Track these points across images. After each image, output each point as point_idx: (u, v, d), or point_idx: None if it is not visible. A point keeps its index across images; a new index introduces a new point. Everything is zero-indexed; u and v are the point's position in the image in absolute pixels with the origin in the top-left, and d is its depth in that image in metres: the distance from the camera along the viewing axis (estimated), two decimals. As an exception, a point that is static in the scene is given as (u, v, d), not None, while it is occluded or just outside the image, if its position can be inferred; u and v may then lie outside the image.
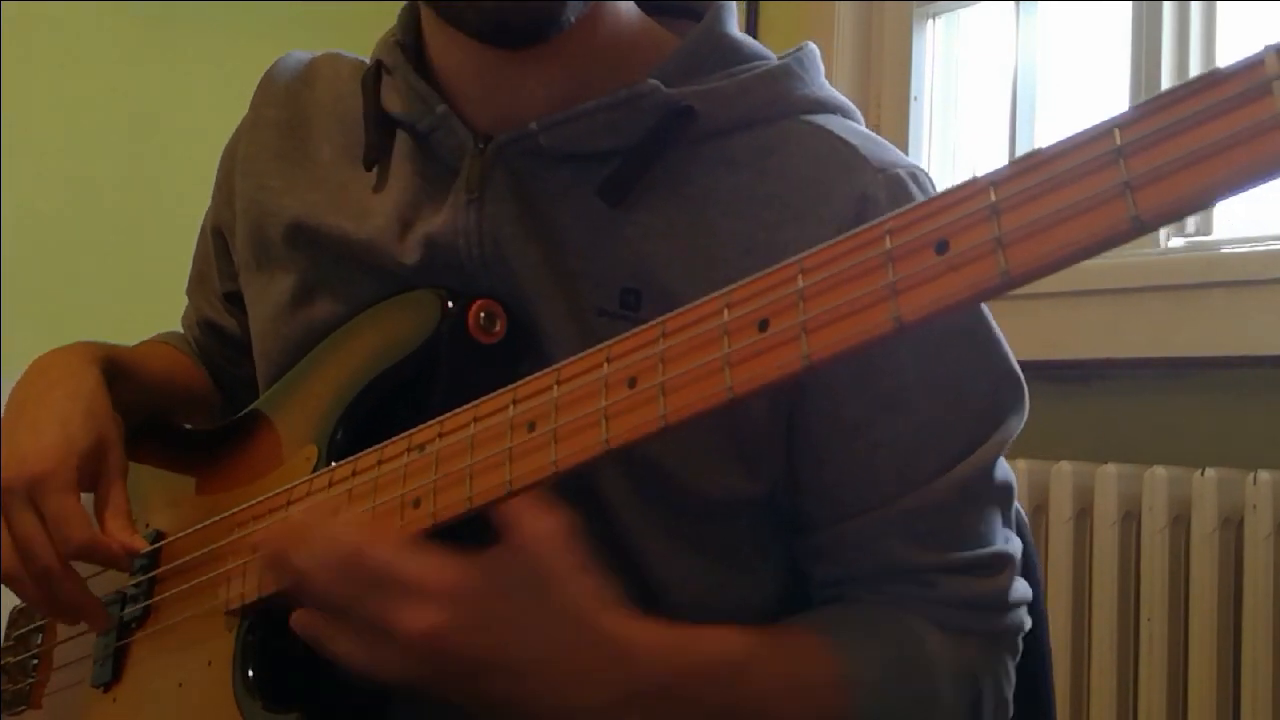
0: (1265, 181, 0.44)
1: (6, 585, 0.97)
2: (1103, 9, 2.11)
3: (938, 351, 0.88)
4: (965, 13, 2.37)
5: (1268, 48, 0.44)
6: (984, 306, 0.92)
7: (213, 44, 2.60)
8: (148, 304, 1.64)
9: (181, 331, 1.24)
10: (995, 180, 0.53)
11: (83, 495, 1.01)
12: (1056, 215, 0.49)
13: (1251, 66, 0.45)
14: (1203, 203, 0.45)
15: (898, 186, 0.88)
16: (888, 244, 0.56)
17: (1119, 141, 0.47)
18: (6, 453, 0.96)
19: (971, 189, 0.54)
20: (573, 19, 0.86)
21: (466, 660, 0.71)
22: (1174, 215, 0.45)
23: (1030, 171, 0.50)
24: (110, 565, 0.97)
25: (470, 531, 0.77)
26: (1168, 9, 1.99)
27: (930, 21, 2.38)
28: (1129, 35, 2.04)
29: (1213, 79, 0.45)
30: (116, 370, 1.05)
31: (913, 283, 0.55)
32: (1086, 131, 0.49)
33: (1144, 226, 0.46)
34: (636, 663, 0.75)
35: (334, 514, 0.81)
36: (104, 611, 0.98)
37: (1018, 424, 0.92)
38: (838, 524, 0.90)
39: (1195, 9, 1.99)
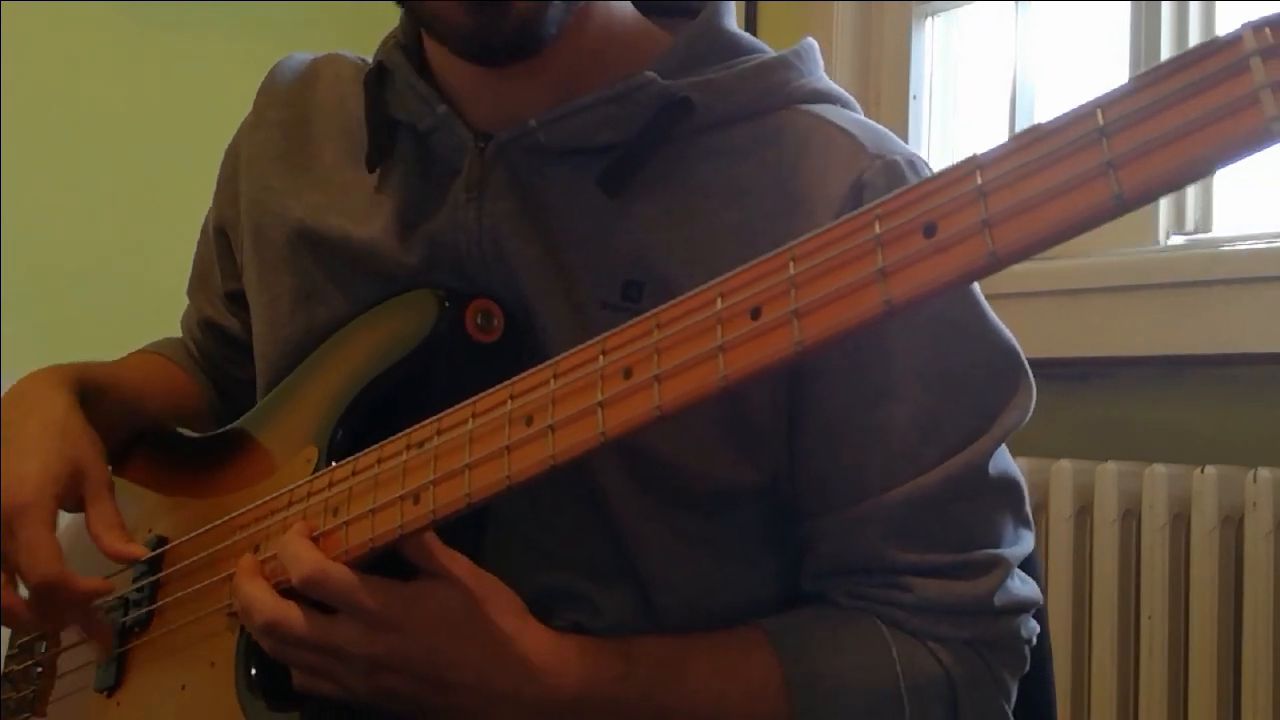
0: (1243, 157, 0.44)
1: None
2: (1101, 8, 2.12)
3: (932, 343, 0.88)
4: (964, 11, 2.37)
5: (1245, 25, 0.44)
6: (983, 301, 0.91)
7: (213, 44, 2.60)
8: (148, 305, 1.64)
9: (178, 336, 1.24)
10: (982, 163, 0.53)
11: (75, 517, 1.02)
12: (1042, 195, 0.49)
13: (1230, 44, 0.45)
14: (1184, 179, 0.45)
15: (894, 173, 0.89)
16: (877, 229, 0.57)
17: (1101, 121, 0.48)
18: None
19: (958, 173, 0.54)
20: (554, 30, 0.86)
21: (414, 680, 0.81)
22: (1156, 192, 0.45)
23: (1016, 153, 0.50)
24: (73, 604, 0.96)
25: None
26: (1166, 8, 1.99)
27: (929, 20, 2.38)
28: (1128, 34, 2.04)
29: (1192, 57, 0.46)
30: (90, 390, 1.05)
31: (902, 265, 0.55)
32: (1070, 112, 0.49)
33: (1126, 204, 0.47)
34: (556, 675, 0.82)
35: (253, 577, 0.86)
36: (106, 632, 1.00)
37: (1018, 418, 0.90)
38: (824, 515, 0.89)
39: (1194, 9, 1.99)
